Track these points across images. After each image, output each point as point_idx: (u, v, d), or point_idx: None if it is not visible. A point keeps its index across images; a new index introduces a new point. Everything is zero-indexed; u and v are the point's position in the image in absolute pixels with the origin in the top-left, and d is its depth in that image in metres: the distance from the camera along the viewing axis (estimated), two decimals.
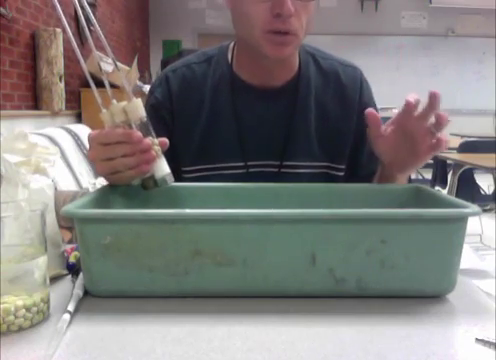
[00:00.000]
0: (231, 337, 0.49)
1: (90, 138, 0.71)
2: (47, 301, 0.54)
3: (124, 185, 0.75)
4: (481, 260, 3.19)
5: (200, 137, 0.92)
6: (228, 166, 0.92)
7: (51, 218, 0.64)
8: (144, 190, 0.72)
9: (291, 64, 0.93)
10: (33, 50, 3.02)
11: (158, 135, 0.74)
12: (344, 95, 0.95)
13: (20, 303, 0.50)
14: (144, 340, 0.49)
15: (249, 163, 0.92)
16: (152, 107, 0.92)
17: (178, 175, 0.89)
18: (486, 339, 0.48)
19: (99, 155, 0.70)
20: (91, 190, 2.26)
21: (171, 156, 0.78)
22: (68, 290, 0.60)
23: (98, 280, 0.58)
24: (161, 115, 0.92)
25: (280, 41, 0.82)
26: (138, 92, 4.38)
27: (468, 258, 3.15)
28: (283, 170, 0.92)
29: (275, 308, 0.56)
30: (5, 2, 2.62)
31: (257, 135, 0.92)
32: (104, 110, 0.70)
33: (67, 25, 0.71)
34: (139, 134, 0.67)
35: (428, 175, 4.09)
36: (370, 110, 0.79)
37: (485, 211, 3.34)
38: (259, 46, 0.83)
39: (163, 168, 0.71)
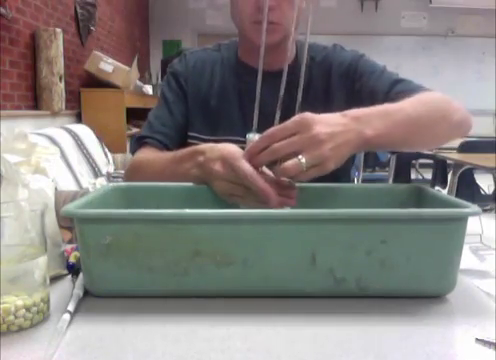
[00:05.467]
0: (231, 337, 0.49)
1: (239, 164, 0.70)
2: (47, 301, 0.54)
3: (125, 185, 0.74)
4: (481, 260, 3.19)
5: (209, 111, 1.04)
6: (231, 140, 0.94)
7: (51, 218, 0.64)
8: None
9: (286, 53, 0.99)
10: (33, 50, 3.02)
11: (176, 95, 1.04)
12: (336, 72, 1.05)
13: (20, 303, 0.50)
14: (144, 340, 0.49)
15: None
16: (172, 74, 1.08)
17: (185, 141, 1.04)
18: (486, 339, 0.48)
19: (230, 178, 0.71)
20: (91, 190, 2.26)
21: (185, 117, 1.04)
22: (68, 290, 0.60)
23: (98, 280, 0.58)
24: (179, 81, 1.07)
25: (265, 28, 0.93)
26: (138, 92, 4.38)
27: (468, 258, 3.15)
28: None
29: (275, 308, 0.56)
30: (5, 2, 2.62)
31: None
32: None
33: None
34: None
35: (428, 175, 4.10)
36: None
37: (485, 211, 3.34)
38: (249, 35, 0.98)
39: None
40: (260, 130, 0.94)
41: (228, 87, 1.05)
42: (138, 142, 1.04)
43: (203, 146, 0.81)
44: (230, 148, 0.74)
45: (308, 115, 0.67)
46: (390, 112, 0.75)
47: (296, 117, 0.67)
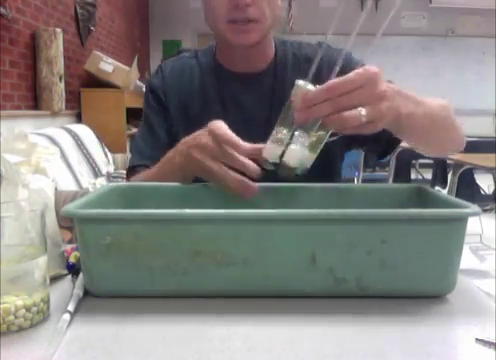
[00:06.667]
0: (231, 337, 0.49)
1: (222, 135, 0.72)
2: (47, 301, 0.54)
3: (124, 185, 0.74)
4: (481, 260, 3.19)
5: (192, 118, 0.99)
6: None
7: (51, 218, 0.64)
8: (280, 174, 0.72)
9: (265, 52, 1.01)
10: (33, 50, 3.02)
11: (157, 113, 1.00)
12: (319, 72, 0.99)
13: (20, 303, 0.50)
14: (144, 340, 0.49)
15: None
16: (150, 91, 1.06)
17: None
18: (486, 339, 0.48)
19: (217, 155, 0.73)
20: (91, 190, 2.26)
21: (170, 133, 0.99)
22: (68, 290, 0.60)
23: (98, 280, 0.58)
24: (157, 95, 1.03)
25: (241, 29, 0.91)
26: (138, 92, 4.38)
27: (468, 258, 3.15)
28: None
29: (275, 308, 0.56)
30: (5, 2, 2.62)
31: (241, 118, 0.97)
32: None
33: None
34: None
35: (428, 175, 4.10)
36: None
37: (485, 211, 3.34)
38: (224, 35, 0.93)
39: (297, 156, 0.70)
40: (246, 137, 0.92)
41: (209, 92, 1.02)
42: (131, 171, 1.01)
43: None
44: (214, 122, 0.75)
45: (374, 68, 0.65)
46: (419, 101, 0.75)
47: (360, 70, 0.64)
